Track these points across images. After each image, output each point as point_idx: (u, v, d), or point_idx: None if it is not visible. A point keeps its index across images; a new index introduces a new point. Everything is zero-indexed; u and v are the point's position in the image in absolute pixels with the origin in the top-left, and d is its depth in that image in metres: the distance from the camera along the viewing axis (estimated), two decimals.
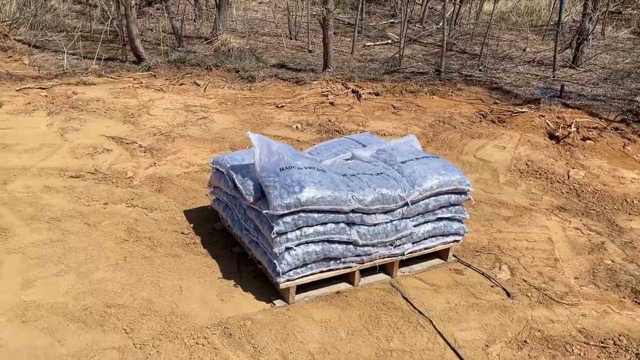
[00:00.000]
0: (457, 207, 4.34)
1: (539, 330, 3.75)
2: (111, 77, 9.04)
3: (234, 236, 4.48)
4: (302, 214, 3.68)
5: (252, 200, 3.92)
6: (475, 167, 6.53)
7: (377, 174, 4.12)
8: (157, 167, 6.06)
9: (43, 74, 9.07)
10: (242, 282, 4.08)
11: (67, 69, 9.20)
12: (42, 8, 11.90)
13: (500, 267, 4.50)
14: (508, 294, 4.12)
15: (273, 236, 3.63)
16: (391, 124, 7.88)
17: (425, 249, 4.30)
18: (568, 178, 6.37)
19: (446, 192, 4.20)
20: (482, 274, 4.37)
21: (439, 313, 3.87)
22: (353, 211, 3.85)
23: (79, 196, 5.25)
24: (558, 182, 6.30)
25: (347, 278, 4.09)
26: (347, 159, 4.63)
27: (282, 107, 8.28)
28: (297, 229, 3.72)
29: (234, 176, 4.20)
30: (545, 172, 6.48)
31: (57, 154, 6.14)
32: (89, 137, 6.66)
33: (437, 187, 4.11)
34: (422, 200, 4.10)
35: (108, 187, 5.51)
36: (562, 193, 6.06)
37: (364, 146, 4.82)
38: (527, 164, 6.67)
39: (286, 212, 3.62)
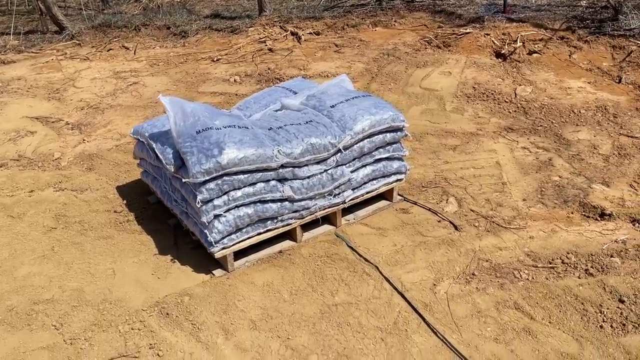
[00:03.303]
0: (394, 145, 4.14)
1: (487, 261, 3.65)
2: (32, 52, 8.44)
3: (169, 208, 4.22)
4: (226, 178, 3.43)
5: (173, 170, 3.65)
6: (421, 98, 6.31)
7: (306, 122, 3.86)
8: (87, 144, 5.69)
9: None
10: (179, 256, 3.87)
11: None
12: None
13: (447, 200, 4.36)
14: (455, 227, 4.00)
15: (198, 205, 3.39)
16: (334, 63, 7.55)
17: (367, 193, 4.12)
18: (515, 96, 6.20)
19: (380, 132, 3.97)
20: (429, 209, 4.23)
21: (385, 258, 3.73)
22: (282, 166, 3.61)
23: (1, 187, 4.89)
24: (505, 102, 6.13)
25: (290, 235, 3.90)
26: (276, 110, 4.35)
27: (218, 60, 7.85)
28: (224, 194, 3.48)
29: (154, 145, 3.91)
30: (492, 94, 6.29)
31: None
32: (10, 120, 6.21)
33: (369, 128, 3.88)
34: (356, 144, 3.88)
35: (34, 173, 5.16)
36: (510, 113, 5.90)
37: (295, 93, 4.53)
38: (473, 87, 6.46)
39: (207, 178, 3.37)
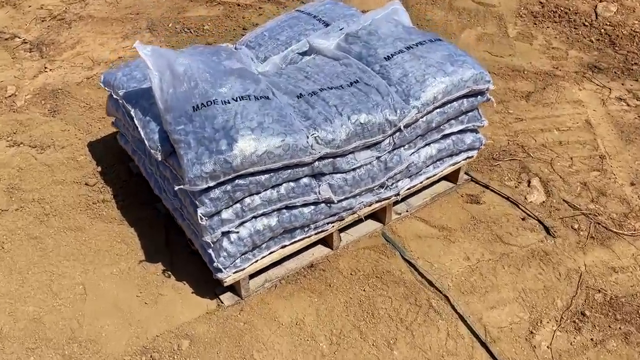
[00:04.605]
0: (470, 113, 2.96)
1: (599, 291, 2.66)
2: None
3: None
4: (239, 182, 2.31)
5: (160, 157, 2.51)
6: (474, 17, 4.94)
7: (351, 84, 2.65)
8: (50, 74, 4.43)
9: None
10: (173, 265, 2.85)
11: None
12: None
13: (529, 181, 3.27)
14: (547, 231, 2.96)
15: (199, 221, 2.31)
16: None
17: (427, 179, 3.01)
18: (596, 18, 4.85)
19: (457, 98, 2.78)
20: (507, 198, 3.16)
21: (457, 280, 2.73)
22: (320, 158, 2.47)
23: None
24: (584, 25, 4.79)
25: (323, 239, 2.85)
26: (302, 52, 3.11)
27: None
28: (235, 203, 2.38)
29: (132, 112, 2.72)
30: (565, 13, 4.93)
31: None
32: None
33: (443, 96, 2.68)
34: (423, 117, 2.71)
35: None
36: (592, 42, 4.60)
37: (327, 25, 3.26)
38: (541, 3, 5.07)
39: (212, 184, 2.24)
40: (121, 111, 2.93)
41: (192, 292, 2.71)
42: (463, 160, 3.11)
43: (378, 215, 2.98)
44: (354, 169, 2.60)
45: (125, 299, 2.69)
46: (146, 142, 2.56)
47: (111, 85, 2.99)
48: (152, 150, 2.52)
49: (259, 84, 2.52)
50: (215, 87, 2.40)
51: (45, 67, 4.52)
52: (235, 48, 3.33)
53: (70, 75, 4.40)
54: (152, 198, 3.19)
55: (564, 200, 3.14)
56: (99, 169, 3.49)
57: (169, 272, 2.81)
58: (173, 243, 2.97)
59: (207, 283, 2.72)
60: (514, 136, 3.62)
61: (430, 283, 2.69)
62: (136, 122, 2.67)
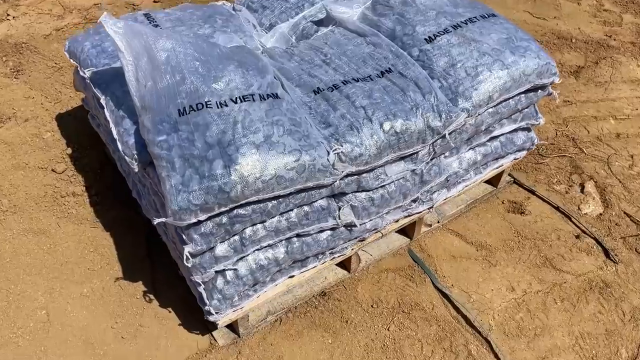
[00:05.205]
0: (525, 110, 2.39)
1: None
2: None
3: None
4: (239, 211, 1.77)
5: (137, 168, 1.95)
6: None
7: (382, 74, 2.06)
8: (13, 23, 3.75)
9: None
10: (156, 285, 2.36)
11: None
12: None
13: (582, 185, 2.75)
14: (607, 254, 2.47)
15: (186, 263, 1.78)
16: None
17: (466, 187, 2.48)
18: None
19: (515, 95, 2.20)
20: (558, 209, 2.64)
21: (500, 317, 2.26)
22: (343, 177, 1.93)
23: None
24: None
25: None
26: (317, 21, 2.49)
27: None
28: (234, 235, 1.86)
29: (102, 100, 2.13)
30: None
31: None
32: None
33: (499, 95, 2.10)
34: (472, 120, 2.14)
35: None
36: None
37: None
38: None
39: (203, 217, 1.71)
40: (90, 93, 2.34)
41: (179, 324, 2.24)
42: (509, 162, 2.57)
43: (404, 228, 2.47)
44: (382, 186, 2.06)
45: (98, 331, 2.22)
46: (119, 145, 1.99)
47: (77, 59, 2.38)
48: (127, 158, 1.95)
49: (265, 75, 1.92)
50: (208, 81, 1.81)
51: (8, 14, 3.82)
52: (234, 8, 2.70)
53: (36, 25, 3.73)
54: (129, 194, 2.65)
55: (625, 213, 2.63)
56: (69, 150, 2.93)
57: (151, 295, 2.32)
58: (154, 255, 2.46)
59: (195, 311, 2.23)
60: (563, 125, 3.06)
61: (468, 321, 2.22)
62: (107, 114, 2.09)
